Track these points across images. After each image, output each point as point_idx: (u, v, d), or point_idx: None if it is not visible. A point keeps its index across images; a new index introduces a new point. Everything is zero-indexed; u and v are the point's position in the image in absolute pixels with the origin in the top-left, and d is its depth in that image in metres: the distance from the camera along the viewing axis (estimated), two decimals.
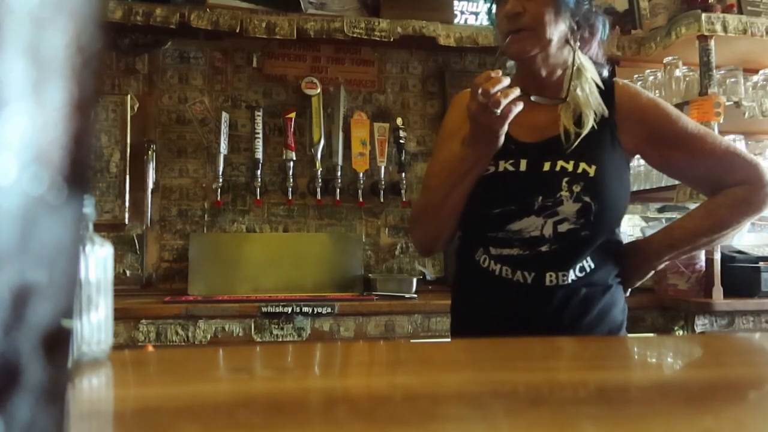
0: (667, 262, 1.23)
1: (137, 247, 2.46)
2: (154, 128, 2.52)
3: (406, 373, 0.69)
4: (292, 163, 2.51)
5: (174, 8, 2.26)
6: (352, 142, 2.58)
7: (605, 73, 1.22)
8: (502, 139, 1.06)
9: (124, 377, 0.67)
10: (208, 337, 2.00)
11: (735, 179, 1.13)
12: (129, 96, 2.46)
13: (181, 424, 0.44)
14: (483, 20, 2.64)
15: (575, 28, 1.14)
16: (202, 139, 2.54)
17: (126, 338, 1.94)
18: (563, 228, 1.08)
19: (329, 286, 2.45)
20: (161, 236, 2.50)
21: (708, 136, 1.15)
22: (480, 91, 1.00)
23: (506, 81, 1.00)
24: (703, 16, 2.16)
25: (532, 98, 1.12)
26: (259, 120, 2.51)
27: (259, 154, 2.50)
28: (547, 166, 1.10)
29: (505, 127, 1.04)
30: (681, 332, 2.15)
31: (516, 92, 1.00)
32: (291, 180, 2.51)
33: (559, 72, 1.16)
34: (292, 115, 2.53)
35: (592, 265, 1.11)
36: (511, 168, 1.12)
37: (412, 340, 2.06)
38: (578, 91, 1.13)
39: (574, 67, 1.13)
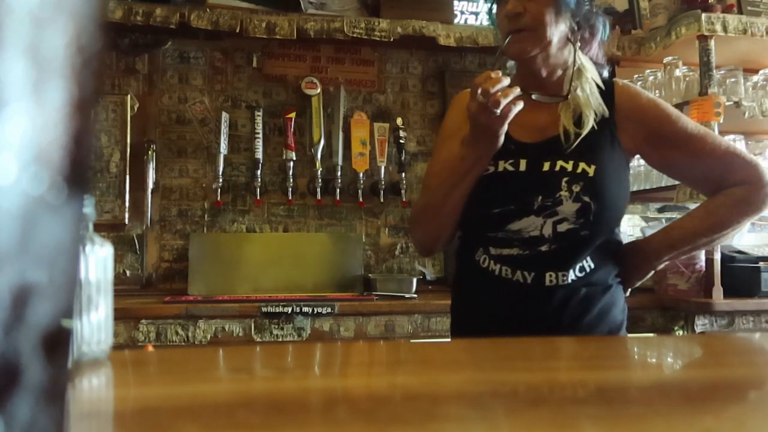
0: (666, 262, 1.23)
1: (137, 247, 2.46)
2: (154, 128, 2.52)
3: (406, 373, 0.69)
4: (292, 163, 2.51)
5: (174, 8, 2.26)
6: (352, 142, 2.58)
7: (605, 73, 1.22)
8: (501, 139, 1.06)
9: (124, 377, 0.67)
10: (208, 337, 2.00)
11: (735, 179, 1.13)
12: (129, 96, 2.46)
13: (181, 424, 0.44)
14: (483, 20, 2.64)
15: (576, 28, 1.14)
16: (202, 139, 2.54)
17: (126, 338, 1.94)
18: (563, 228, 1.08)
19: (329, 286, 2.45)
20: (161, 236, 2.50)
21: (708, 136, 1.15)
22: (480, 91, 1.00)
23: (506, 81, 1.00)
24: (703, 16, 2.16)
25: (533, 96, 1.12)
26: (259, 120, 2.51)
27: (259, 154, 2.50)
28: (546, 166, 1.10)
29: (505, 127, 1.04)
30: (681, 332, 2.15)
31: (516, 92, 1.00)
32: (291, 180, 2.51)
33: (559, 72, 1.16)
34: (292, 115, 2.53)
35: (592, 265, 1.12)
36: (510, 168, 1.12)
37: (412, 340, 2.06)
38: (578, 92, 1.13)
39: (575, 68, 1.13)
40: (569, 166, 1.09)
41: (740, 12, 2.27)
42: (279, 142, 2.56)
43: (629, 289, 1.24)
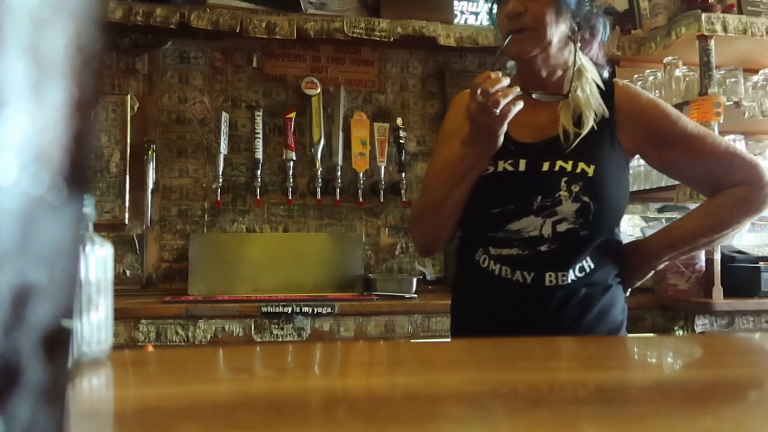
0: (666, 262, 1.23)
1: (137, 247, 2.46)
2: (154, 128, 2.52)
3: (406, 373, 0.69)
4: (292, 163, 2.51)
5: (174, 8, 2.26)
6: (352, 142, 2.58)
7: (605, 73, 1.22)
8: (501, 139, 1.06)
9: (124, 377, 0.67)
10: (208, 337, 2.00)
11: (735, 179, 1.13)
12: (129, 96, 2.46)
13: (181, 424, 0.44)
14: (483, 20, 2.64)
15: (576, 28, 1.14)
16: (202, 139, 2.54)
17: (126, 338, 1.94)
18: (562, 228, 1.08)
19: (329, 286, 2.45)
20: (161, 236, 2.50)
21: (708, 136, 1.15)
22: (479, 91, 1.00)
23: (506, 81, 1.00)
24: (703, 16, 2.16)
25: (534, 95, 1.12)
26: (259, 120, 2.51)
27: (259, 154, 2.50)
28: (546, 166, 1.10)
29: (505, 127, 1.04)
30: (681, 332, 2.15)
31: (515, 92, 1.00)
32: (291, 180, 2.51)
33: (559, 72, 1.16)
34: (292, 115, 2.53)
35: (592, 265, 1.11)
36: (510, 168, 1.12)
37: (412, 340, 2.06)
38: (578, 92, 1.13)
39: (575, 68, 1.13)
40: (569, 166, 1.09)
41: (740, 12, 2.27)
42: (279, 142, 2.56)
43: (629, 289, 1.24)
